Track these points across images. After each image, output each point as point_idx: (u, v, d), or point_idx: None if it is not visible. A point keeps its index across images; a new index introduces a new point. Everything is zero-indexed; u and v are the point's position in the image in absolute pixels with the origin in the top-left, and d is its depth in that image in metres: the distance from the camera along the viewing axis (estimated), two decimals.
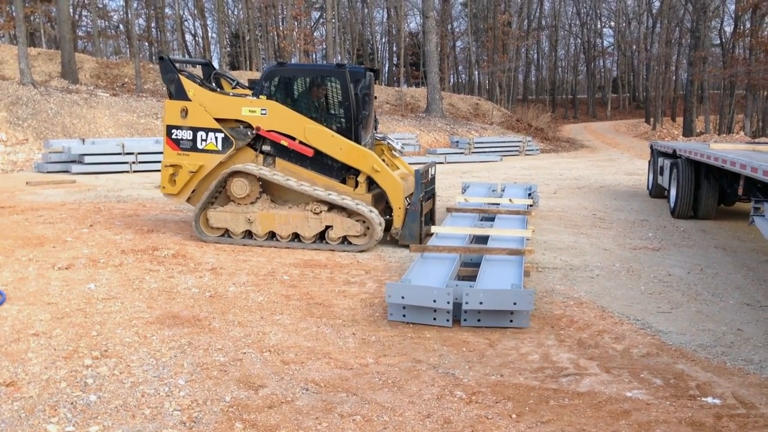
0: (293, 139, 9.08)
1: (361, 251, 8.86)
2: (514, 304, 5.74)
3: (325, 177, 9.21)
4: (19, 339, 5.33)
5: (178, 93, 9.32)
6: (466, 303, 5.78)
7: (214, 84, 9.80)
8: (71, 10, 40.75)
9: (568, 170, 21.33)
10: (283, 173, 9.19)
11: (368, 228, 8.87)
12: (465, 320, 5.92)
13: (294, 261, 8.28)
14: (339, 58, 47.05)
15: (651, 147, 15.18)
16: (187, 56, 54.55)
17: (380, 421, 4.11)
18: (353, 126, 9.14)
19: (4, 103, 22.23)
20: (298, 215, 8.98)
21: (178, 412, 4.17)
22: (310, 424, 4.05)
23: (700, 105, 42.37)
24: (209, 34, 55.04)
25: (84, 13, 49.50)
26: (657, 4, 58.55)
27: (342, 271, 7.85)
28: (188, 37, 61.36)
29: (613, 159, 26.50)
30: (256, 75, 30.94)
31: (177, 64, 9.59)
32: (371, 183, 9.25)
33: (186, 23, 59.63)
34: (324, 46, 46.07)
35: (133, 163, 18.96)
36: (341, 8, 51.75)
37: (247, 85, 10.06)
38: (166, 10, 49.12)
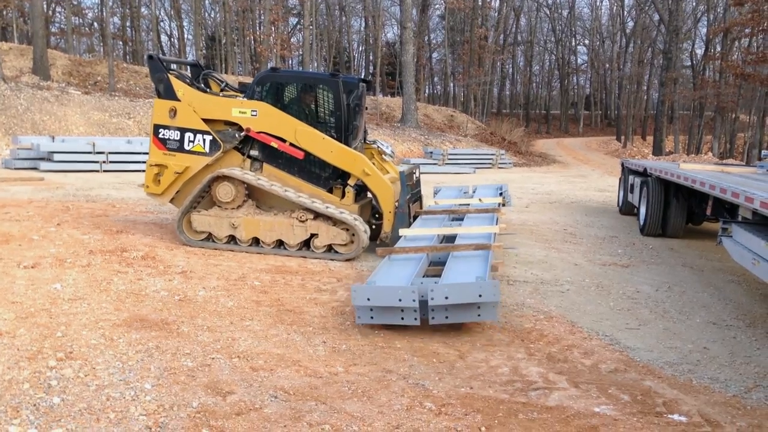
0: (283, 141, 9.03)
1: (346, 260, 8.83)
2: (480, 296, 5.67)
3: (312, 185, 9.18)
4: None
5: (167, 92, 9.22)
6: (432, 299, 5.71)
7: (202, 85, 9.72)
8: (45, 6, 40.19)
9: (540, 185, 21.51)
10: (270, 179, 9.13)
11: (354, 237, 8.83)
12: (433, 318, 5.85)
13: (265, 266, 8.22)
14: (315, 64, 46.98)
15: (622, 164, 15.37)
16: None
17: (349, 431, 4.08)
18: (343, 136, 9.13)
19: None
20: (283, 222, 8.90)
21: (144, 417, 4.10)
22: None
23: (670, 125, 43.11)
24: (185, 36, 54.55)
25: (58, 9, 48.91)
26: (631, 24, 59.66)
27: (313, 278, 7.81)
28: (164, 37, 60.89)
29: (585, 175, 26.81)
30: (233, 79, 30.78)
31: (166, 64, 9.50)
32: (358, 193, 9.24)
33: (162, 23, 59.27)
34: (300, 53, 46.02)
35: (104, 162, 18.71)
36: (319, 15, 51.74)
37: (236, 87, 10.00)
38: (142, 9, 48.73)
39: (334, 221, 8.87)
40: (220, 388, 4.58)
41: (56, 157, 18.22)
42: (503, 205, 10.56)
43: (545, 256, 9.71)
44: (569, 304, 7.20)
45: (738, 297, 7.84)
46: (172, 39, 62.12)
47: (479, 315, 5.85)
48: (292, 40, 52.32)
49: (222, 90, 9.77)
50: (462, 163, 27.44)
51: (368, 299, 5.82)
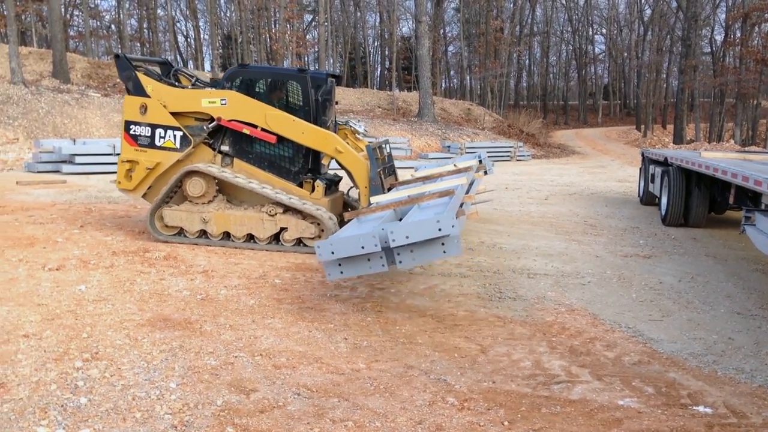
0: (255, 127, 9.12)
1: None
2: (439, 230, 5.66)
3: (282, 180, 9.30)
4: (8, 340, 5.29)
5: (136, 89, 9.33)
6: (393, 240, 5.72)
7: (173, 80, 9.81)
8: (63, 10, 40.57)
9: (560, 176, 21.39)
10: (241, 174, 9.26)
11: (323, 230, 8.94)
12: (400, 262, 5.87)
13: (286, 264, 8.26)
14: (331, 61, 47.05)
15: (642, 154, 15.25)
16: (179, 57, 54.48)
17: (372, 427, 4.10)
18: None
19: None
20: (254, 216, 9.03)
21: (170, 416, 4.14)
22: (301, 429, 4.03)
23: (690, 113, 42.62)
24: (201, 36, 54.88)
25: (76, 12, 49.31)
26: (648, 11, 59.03)
27: None
28: (180, 38, 61.26)
29: (604, 165, 26.61)
30: None
31: (135, 62, 9.60)
32: (328, 187, 9.36)
33: (178, 24, 59.57)
34: (316, 49, 46.06)
35: None
36: (334, 11, 51.80)
37: (207, 82, 10.08)
38: (159, 10, 49.12)
39: (303, 215, 8.98)
40: (243, 386, 4.61)
41: (78, 159, 18.41)
42: (486, 173, 10.55)
43: (565, 248, 9.66)
44: (591, 297, 7.16)
45: (762, 286, 7.76)
46: (189, 39, 62.58)
47: (444, 252, 5.84)
48: (307, 37, 52.40)
49: (193, 85, 9.86)
50: None
51: (332, 252, 5.84)
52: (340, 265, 5.95)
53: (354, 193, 10.13)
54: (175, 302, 6.52)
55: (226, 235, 9.18)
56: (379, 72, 62.18)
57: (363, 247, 5.77)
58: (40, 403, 4.24)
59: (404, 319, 6.23)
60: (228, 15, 54.13)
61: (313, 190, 9.25)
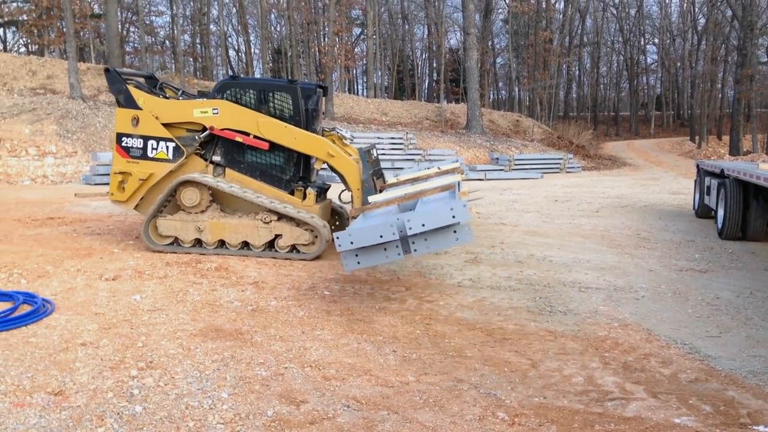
0: (247, 134, 9.24)
1: (312, 259, 9.10)
2: (453, 217, 5.93)
3: (274, 188, 9.43)
4: (67, 348, 5.45)
5: (127, 102, 9.50)
6: (410, 228, 6.00)
7: (160, 93, 9.98)
8: (119, 26, 41.76)
9: (611, 188, 21.05)
10: (232, 184, 9.39)
11: (316, 237, 9.06)
12: (415, 250, 6.17)
13: (335, 276, 8.31)
14: (379, 73, 47.27)
15: (697, 166, 14.91)
16: (230, 71, 55.44)
17: None
18: None
19: (54, 116, 22.85)
20: (248, 224, 9.17)
21: (222, 426, 4.20)
22: None
23: (747, 123, 41.50)
24: (252, 50, 55.76)
25: (132, 29, 50.74)
26: (702, 21, 57.76)
27: (382, 287, 7.85)
28: (231, 52, 62.41)
29: (657, 177, 26.08)
30: None
31: (124, 76, 9.79)
32: (318, 195, 9.50)
33: (230, 39, 60.75)
34: (365, 62, 46.41)
35: None
36: (382, 25, 52.10)
37: (194, 94, 10.25)
38: (211, 26, 50.07)
39: (297, 222, 9.12)
40: (293, 398, 4.65)
41: None
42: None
43: (618, 261, 9.48)
44: (645, 312, 7.01)
45: None
46: (240, 53, 63.67)
47: (457, 239, 6.18)
48: (356, 50, 52.83)
49: (179, 97, 9.98)
50: (529, 168, 27.11)
51: (351, 243, 6.11)
52: (357, 255, 6.24)
53: (345, 197, 10.22)
54: (227, 313, 6.61)
55: (221, 243, 9.33)
56: (427, 84, 62.24)
57: (381, 236, 6.07)
58: (97, 411, 4.34)
59: (453, 333, 6.20)
60: (278, 29, 54.94)
61: (304, 197, 9.42)
